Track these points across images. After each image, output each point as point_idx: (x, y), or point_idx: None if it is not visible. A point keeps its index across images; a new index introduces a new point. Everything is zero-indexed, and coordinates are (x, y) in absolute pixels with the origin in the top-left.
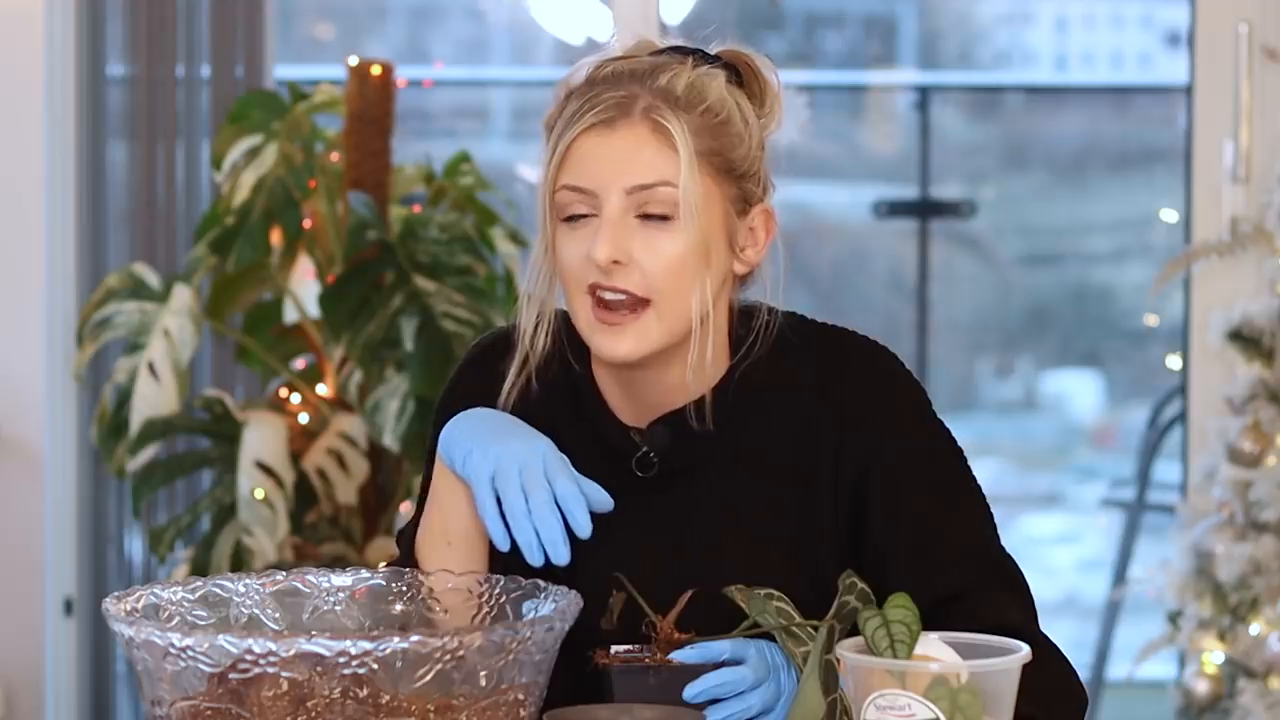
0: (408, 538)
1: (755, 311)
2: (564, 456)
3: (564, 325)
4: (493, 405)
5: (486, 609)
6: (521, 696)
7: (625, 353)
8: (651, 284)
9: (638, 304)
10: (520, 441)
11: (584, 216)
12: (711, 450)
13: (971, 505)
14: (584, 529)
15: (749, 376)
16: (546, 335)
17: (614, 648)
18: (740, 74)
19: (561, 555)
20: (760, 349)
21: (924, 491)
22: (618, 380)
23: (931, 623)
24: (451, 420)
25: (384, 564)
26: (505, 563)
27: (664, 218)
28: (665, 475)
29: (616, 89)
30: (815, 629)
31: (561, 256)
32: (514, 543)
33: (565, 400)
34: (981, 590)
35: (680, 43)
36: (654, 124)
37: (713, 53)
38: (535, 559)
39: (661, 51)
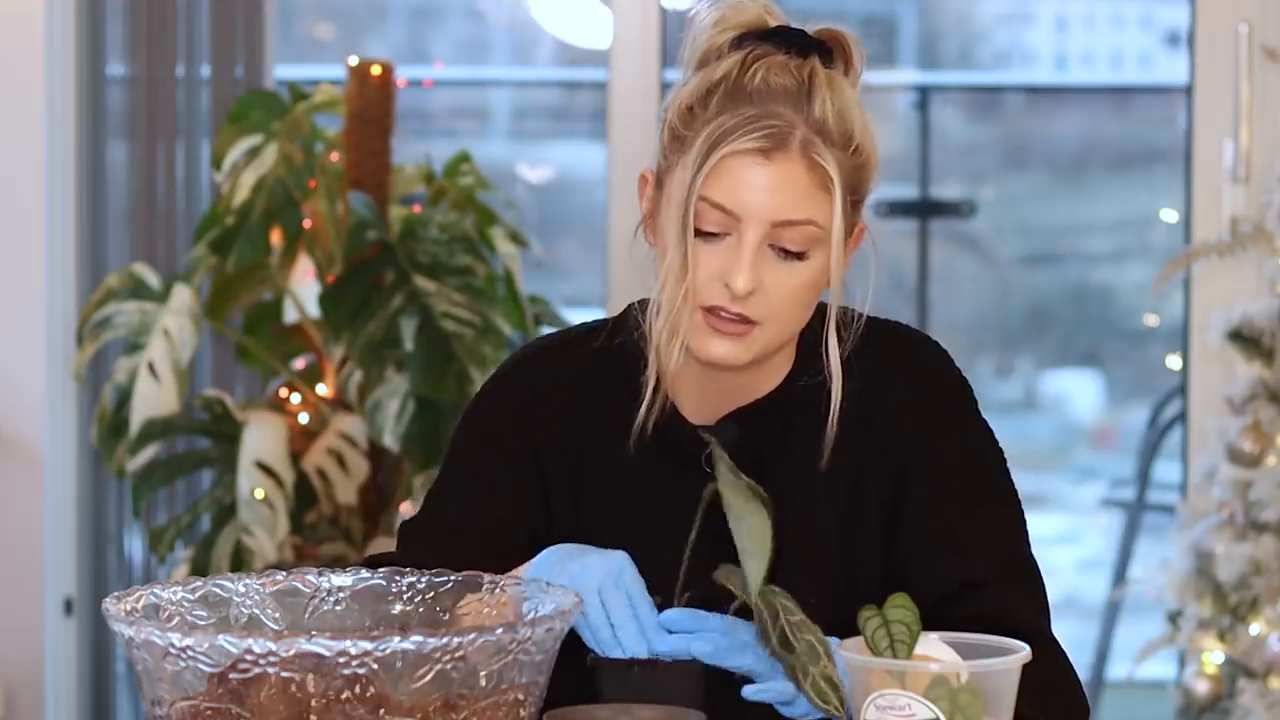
0: (417, 536)
1: (824, 309)
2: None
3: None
4: (527, 418)
5: (487, 609)
6: (521, 696)
7: (726, 358)
8: (770, 312)
9: (748, 322)
10: (599, 558)
11: (716, 234)
12: (773, 450)
13: (1006, 507)
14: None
15: (809, 373)
16: (681, 348)
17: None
18: (833, 54)
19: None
20: (843, 349)
21: (962, 483)
22: (697, 381)
23: (947, 609)
24: (534, 569)
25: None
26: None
27: (800, 255)
28: None
29: (774, 114)
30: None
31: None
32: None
33: (631, 397)
34: (1001, 584)
35: (785, 23)
36: (811, 162)
37: (811, 33)
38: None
39: (771, 33)
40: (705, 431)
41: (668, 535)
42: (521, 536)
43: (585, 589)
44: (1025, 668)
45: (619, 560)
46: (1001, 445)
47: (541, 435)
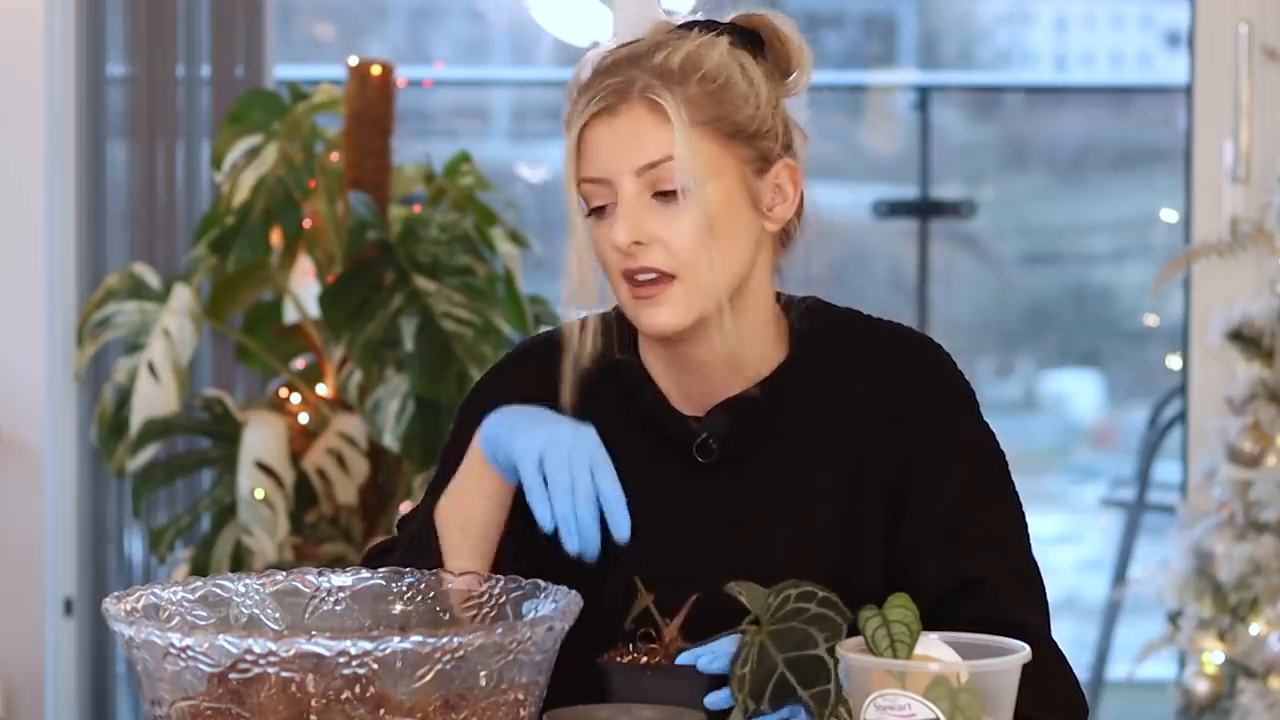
0: (413, 521)
1: (796, 300)
2: (606, 455)
3: (615, 320)
4: (531, 404)
5: (486, 609)
6: (521, 696)
7: (665, 323)
8: (676, 259)
9: (665, 278)
10: (568, 427)
11: (605, 207)
12: (769, 437)
13: (1009, 507)
14: (623, 531)
15: (806, 364)
16: (594, 335)
17: (609, 653)
18: (762, 38)
19: (593, 550)
20: (803, 325)
21: (966, 483)
22: (674, 368)
23: (949, 607)
24: (495, 413)
25: (377, 540)
26: (529, 564)
27: (676, 192)
28: (723, 462)
29: (615, 76)
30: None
31: (597, 248)
32: (539, 549)
33: (618, 393)
34: (1004, 584)
35: (691, 18)
36: (650, 103)
37: (726, 20)
38: (572, 543)
39: (672, 30)
40: (695, 421)
41: (658, 524)
42: (512, 520)
43: (553, 452)
44: (1025, 668)
45: (589, 433)
46: (1003, 447)
47: None
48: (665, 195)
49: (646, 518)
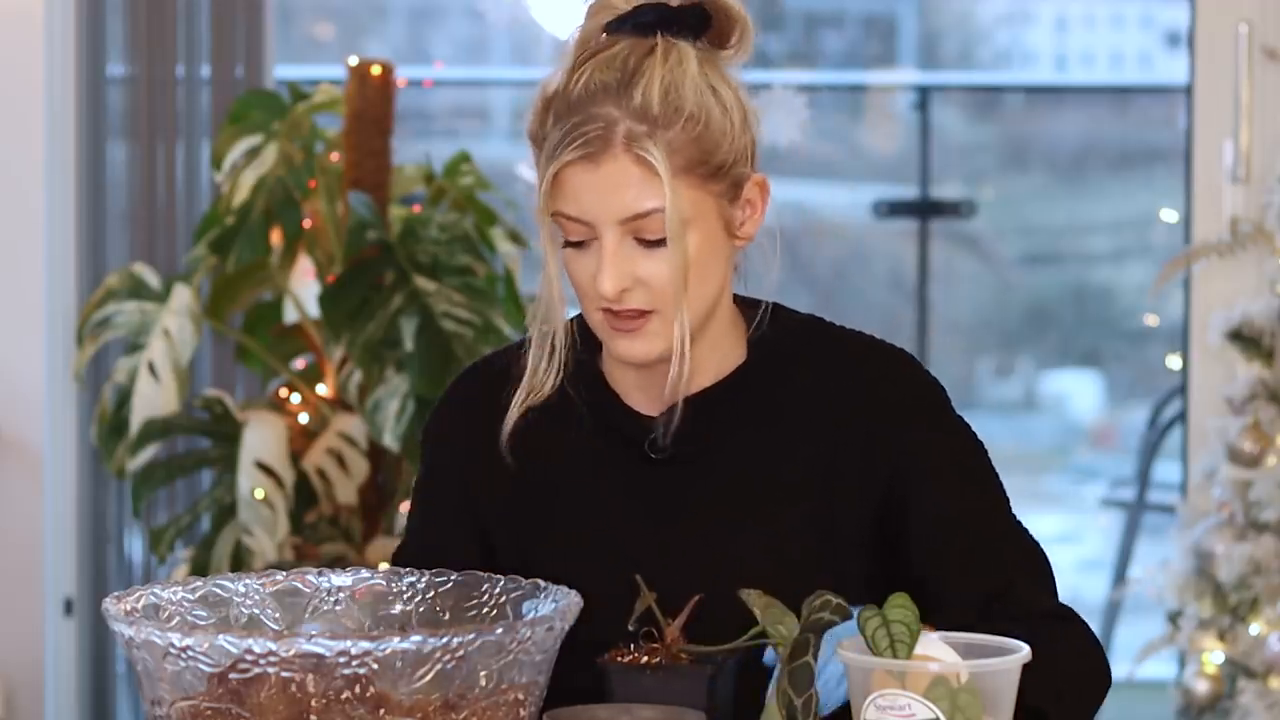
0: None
1: (760, 303)
2: None
3: (575, 324)
4: (479, 430)
5: (486, 609)
6: (521, 696)
7: (639, 354)
8: (657, 297)
9: (643, 313)
10: None
11: (584, 241)
12: (726, 433)
13: (999, 491)
14: None
15: (766, 365)
16: (557, 375)
17: (609, 653)
18: (707, 13)
19: None
20: (766, 331)
21: (958, 482)
22: (633, 370)
23: (984, 623)
24: None
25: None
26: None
27: (661, 241)
28: (681, 461)
29: (594, 118)
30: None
31: (572, 275)
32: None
33: (578, 391)
34: (1021, 581)
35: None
36: (636, 156)
37: (672, 4)
38: None
39: (630, 14)
40: (651, 420)
41: (621, 521)
42: (473, 548)
43: None
44: (1048, 646)
45: None
46: (983, 438)
47: (479, 451)
48: (648, 242)
49: (611, 515)
